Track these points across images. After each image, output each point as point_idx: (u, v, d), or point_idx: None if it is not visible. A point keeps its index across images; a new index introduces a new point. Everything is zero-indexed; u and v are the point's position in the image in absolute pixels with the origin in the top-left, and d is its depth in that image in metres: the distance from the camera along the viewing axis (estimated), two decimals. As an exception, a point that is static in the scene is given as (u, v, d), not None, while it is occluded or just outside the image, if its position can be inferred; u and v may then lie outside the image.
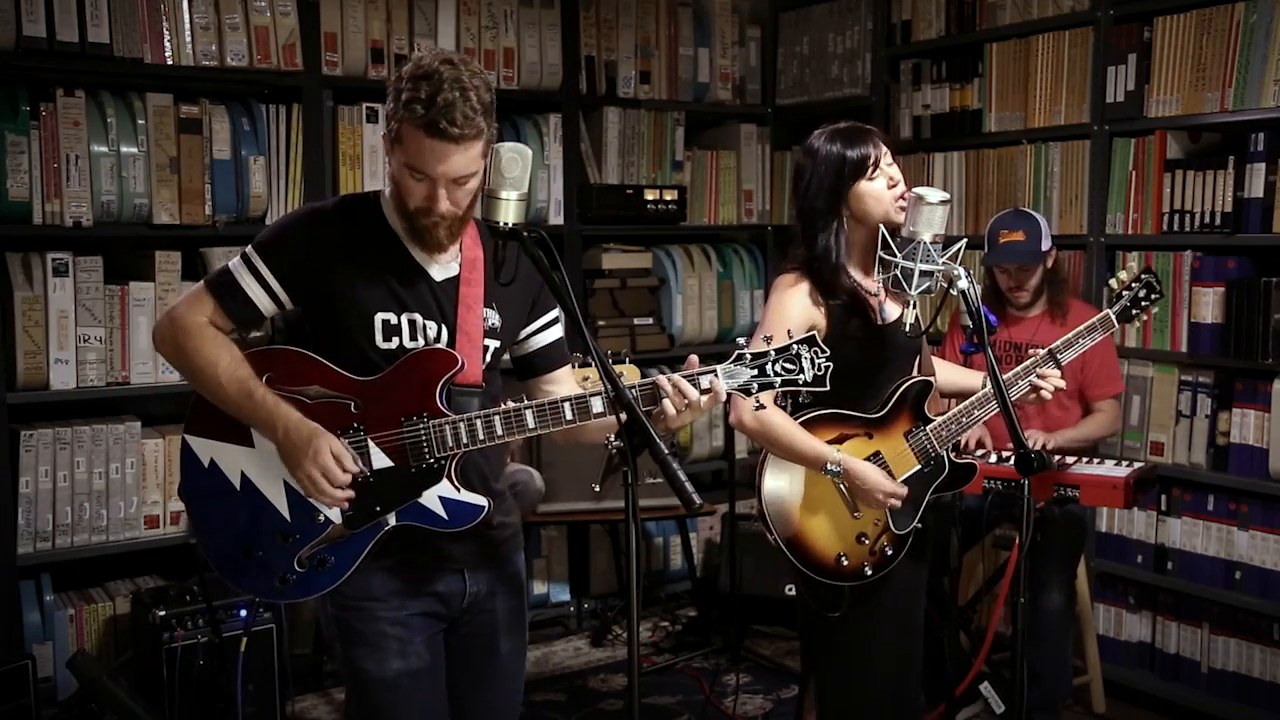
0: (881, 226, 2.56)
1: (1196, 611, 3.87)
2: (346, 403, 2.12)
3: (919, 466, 2.66)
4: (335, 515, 2.13)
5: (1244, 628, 3.75)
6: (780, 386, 2.14)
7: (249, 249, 2.17)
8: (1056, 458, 3.37)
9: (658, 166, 4.96)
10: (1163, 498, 3.90)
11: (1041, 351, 2.81)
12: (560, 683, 4.21)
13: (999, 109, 4.35)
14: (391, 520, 2.13)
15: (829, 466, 2.59)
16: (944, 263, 2.47)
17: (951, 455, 2.70)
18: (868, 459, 2.64)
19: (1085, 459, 3.47)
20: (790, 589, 4.34)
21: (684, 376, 2.10)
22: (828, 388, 2.13)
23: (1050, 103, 4.17)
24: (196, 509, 2.21)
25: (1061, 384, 2.78)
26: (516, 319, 2.28)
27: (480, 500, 2.15)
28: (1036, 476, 2.47)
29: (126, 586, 3.90)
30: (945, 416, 2.68)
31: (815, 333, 2.17)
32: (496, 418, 2.10)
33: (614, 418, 2.00)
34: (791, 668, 4.31)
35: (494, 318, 2.22)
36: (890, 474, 2.65)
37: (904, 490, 2.61)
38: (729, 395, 2.13)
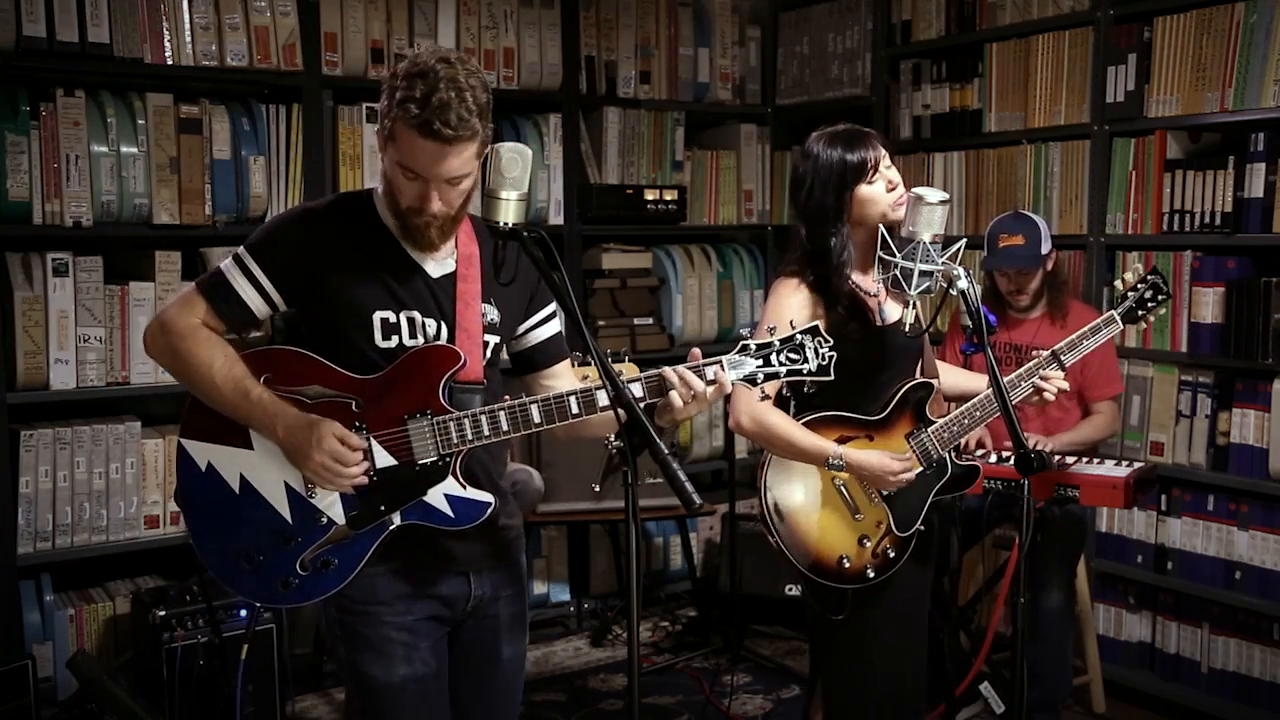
0: (881, 227, 2.56)
1: (1196, 611, 3.87)
2: (347, 402, 2.10)
3: (921, 469, 2.66)
4: (339, 516, 2.11)
5: (1244, 628, 3.75)
6: (786, 376, 2.13)
7: (241, 250, 2.14)
8: (1056, 458, 3.37)
9: (658, 166, 4.96)
10: (1163, 498, 3.90)
11: (1045, 353, 2.81)
12: (560, 683, 4.21)
13: (999, 109, 4.35)
14: (397, 520, 2.11)
15: (830, 460, 2.59)
16: (944, 263, 2.46)
17: (953, 457, 2.70)
18: None
19: (1085, 459, 3.47)
20: (791, 589, 4.34)
21: (689, 368, 2.09)
22: (832, 377, 2.13)
23: (1050, 103, 4.17)
24: (195, 514, 2.17)
25: (1065, 385, 2.78)
26: (514, 314, 2.27)
27: (486, 497, 2.13)
28: (1036, 476, 2.47)
29: (126, 586, 3.90)
30: (947, 418, 2.68)
31: (819, 323, 2.16)
32: (502, 413, 2.09)
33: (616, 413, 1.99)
34: (792, 668, 4.31)
35: (492, 313, 2.21)
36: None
37: (912, 464, 2.60)
38: (732, 388, 2.12)
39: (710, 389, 2.09)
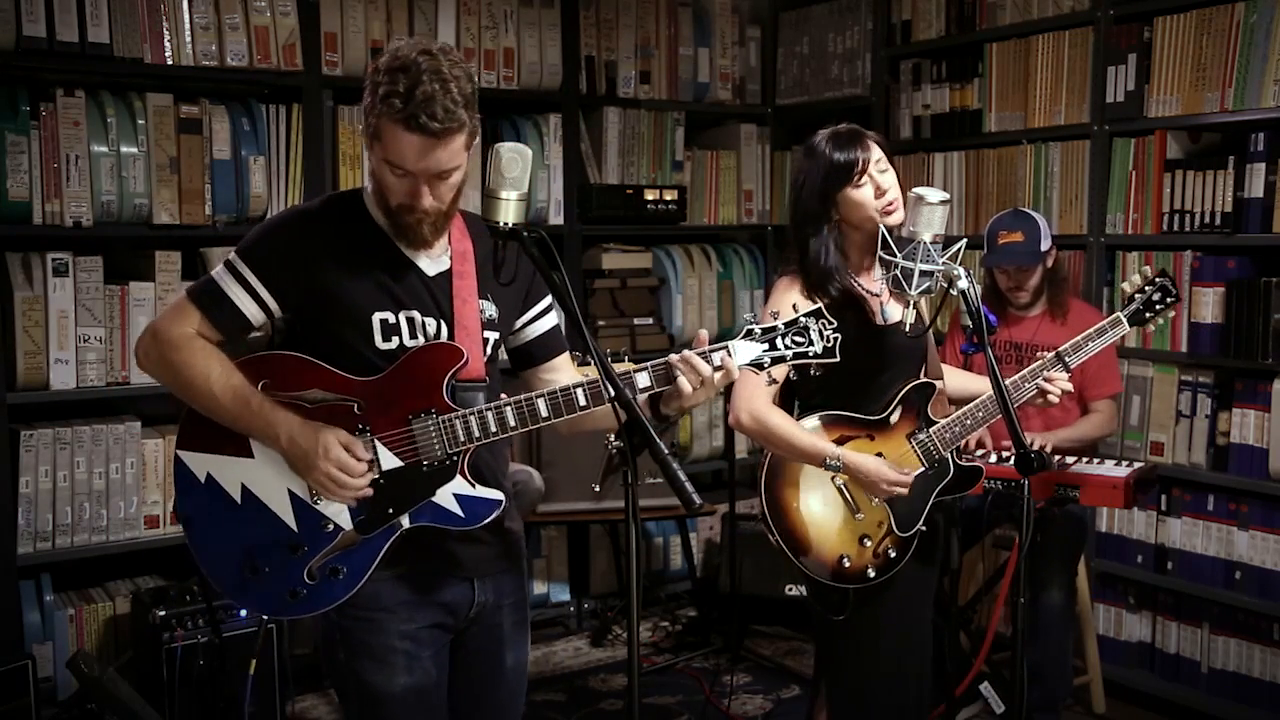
0: (881, 227, 2.56)
1: (1196, 611, 3.87)
2: (349, 404, 2.06)
3: (922, 469, 2.66)
4: (345, 522, 2.07)
5: (1244, 628, 3.75)
6: (792, 359, 2.11)
7: (232, 256, 2.09)
8: (1057, 458, 3.37)
9: (658, 166, 4.96)
10: (1163, 498, 3.90)
11: (1049, 354, 2.80)
12: (560, 683, 4.21)
13: (999, 109, 4.35)
14: (405, 522, 2.08)
15: (828, 461, 2.58)
16: (944, 263, 2.46)
17: (956, 458, 2.70)
18: None
19: (1085, 459, 3.47)
20: (791, 589, 4.35)
21: (696, 354, 2.07)
22: (838, 358, 2.12)
23: (1050, 103, 4.17)
24: (195, 527, 2.12)
25: (1069, 386, 2.77)
26: (511, 309, 2.24)
27: (496, 494, 2.11)
28: (1036, 476, 2.47)
29: (126, 586, 3.90)
30: (949, 419, 2.68)
31: (821, 306, 2.15)
32: (508, 408, 2.06)
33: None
34: (792, 668, 4.31)
35: (490, 309, 2.18)
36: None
37: (908, 478, 2.60)
38: (739, 374, 2.10)
39: (718, 375, 2.06)
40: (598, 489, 4.28)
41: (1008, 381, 2.68)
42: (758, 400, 2.62)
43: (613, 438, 3.98)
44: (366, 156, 2.08)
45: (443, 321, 2.12)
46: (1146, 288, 2.90)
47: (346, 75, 4.15)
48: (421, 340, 2.10)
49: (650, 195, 4.76)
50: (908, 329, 2.54)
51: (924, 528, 2.65)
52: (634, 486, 1.90)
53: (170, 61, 3.78)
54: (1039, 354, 3.68)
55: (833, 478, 2.64)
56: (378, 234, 2.11)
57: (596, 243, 4.85)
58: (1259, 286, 3.60)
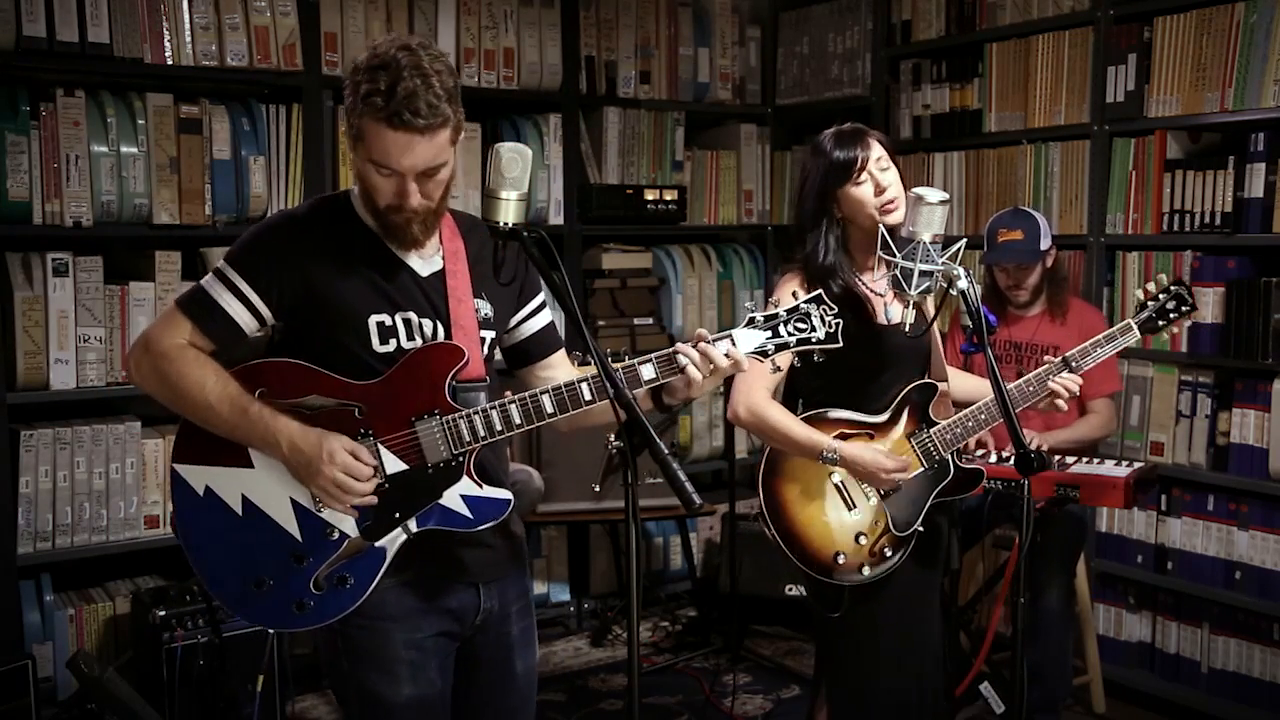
0: (881, 226, 2.56)
1: (1196, 611, 3.87)
2: (350, 409, 2.03)
3: (922, 469, 2.66)
4: (351, 529, 2.04)
5: (1244, 628, 3.75)
6: (796, 346, 2.09)
7: (222, 263, 2.06)
8: (1057, 458, 3.37)
9: (658, 166, 4.96)
10: (1163, 498, 3.90)
11: (1056, 359, 2.77)
12: (560, 683, 4.21)
13: (999, 109, 4.35)
14: (413, 526, 2.05)
15: (824, 454, 2.59)
16: (944, 263, 2.46)
17: (957, 460, 2.69)
18: None
19: (1085, 459, 3.47)
20: (791, 589, 4.35)
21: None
22: (841, 344, 2.12)
23: (1050, 103, 4.17)
24: (195, 542, 2.07)
25: (1074, 387, 2.74)
26: (507, 307, 2.22)
27: (504, 494, 2.08)
28: (1036, 476, 2.47)
29: (126, 586, 3.90)
30: (950, 420, 2.68)
31: (821, 292, 2.15)
32: (513, 405, 2.03)
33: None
34: (792, 668, 4.31)
35: (486, 308, 2.16)
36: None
37: (905, 464, 2.61)
38: (745, 362, 2.09)
39: (726, 362, 2.05)
40: (598, 489, 4.28)
41: (1013, 385, 2.67)
42: (756, 394, 2.64)
43: (613, 437, 3.99)
44: (351, 158, 2.05)
45: (439, 322, 2.09)
46: (1160, 295, 2.86)
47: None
48: (419, 342, 2.07)
49: (650, 195, 4.76)
50: (908, 329, 2.54)
51: (922, 528, 2.65)
52: (634, 486, 1.90)
53: (170, 61, 3.78)
54: (1039, 353, 3.70)
55: (830, 474, 2.64)
56: (368, 236, 2.08)
57: (596, 243, 4.85)
58: (1259, 286, 3.60)
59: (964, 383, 2.94)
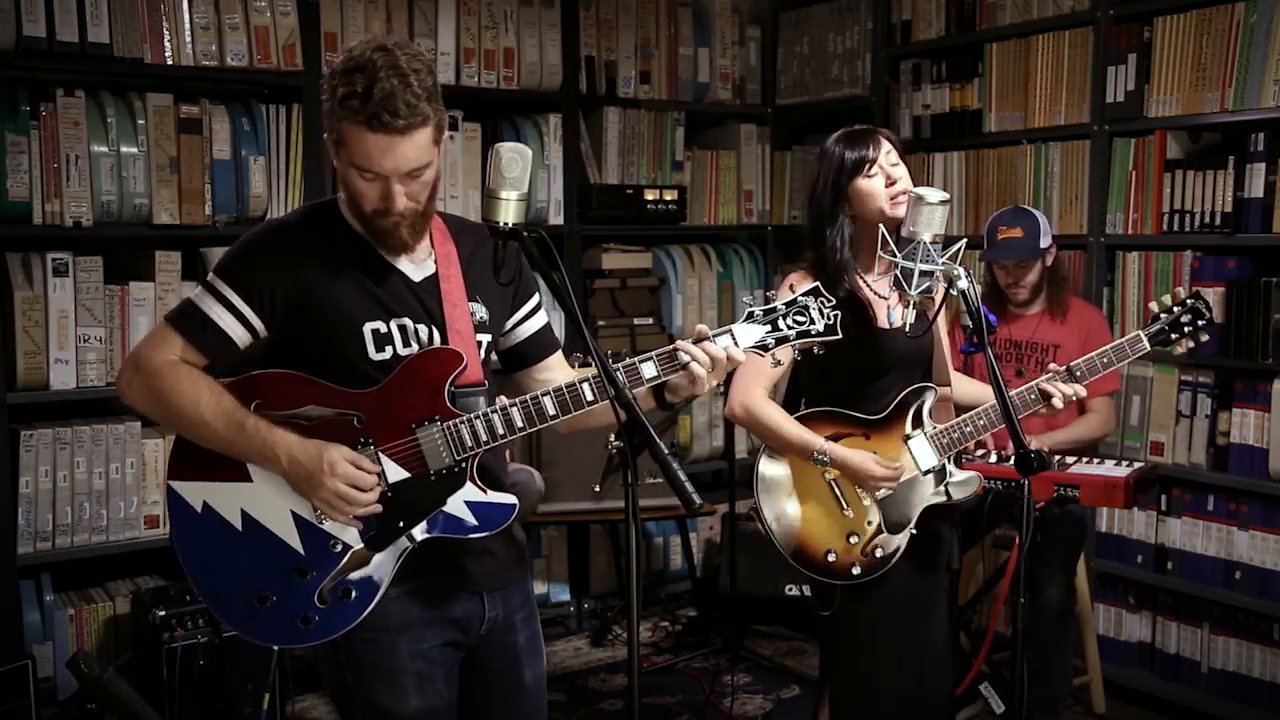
0: (881, 226, 2.57)
1: (1196, 611, 3.87)
2: (349, 418, 2.00)
3: (916, 472, 2.66)
4: (354, 540, 2.01)
5: (1244, 628, 3.75)
6: (795, 339, 2.08)
7: (211, 276, 2.02)
8: (1057, 458, 3.37)
9: (658, 166, 4.96)
10: (1163, 498, 3.90)
11: (1061, 368, 2.72)
12: (560, 683, 4.21)
13: (999, 109, 4.35)
14: (417, 535, 2.02)
15: (815, 455, 2.61)
16: (944, 263, 2.47)
17: (953, 464, 2.69)
18: None
19: (1085, 459, 3.47)
20: (791, 589, 4.35)
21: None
22: (840, 335, 2.12)
23: (1050, 103, 4.17)
24: (195, 560, 2.03)
25: (1070, 392, 2.69)
26: (502, 310, 2.19)
27: (508, 499, 2.06)
28: (1036, 476, 2.46)
29: (126, 586, 3.90)
30: (947, 424, 2.68)
31: (819, 284, 2.14)
32: (514, 408, 2.01)
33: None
34: (792, 668, 4.31)
35: (481, 311, 2.13)
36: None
37: (898, 468, 2.61)
38: (744, 357, 2.07)
39: (724, 359, 2.03)
40: (598, 489, 4.28)
41: (1014, 393, 2.66)
42: (753, 392, 2.67)
43: (613, 437, 3.98)
44: (335, 164, 2.00)
45: (434, 327, 2.07)
46: (1176, 308, 2.75)
47: (346, 75, 4.14)
48: (415, 348, 2.05)
49: (650, 195, 4.76)
50: (907, 329, 2.55)
51: (914, 530, 2.65)
52: (634, 486, 1.89)
53: (170, 61, 3.78)
54: (1039, 352, 3.71)
55: (824, 473, 2.66)
56: (359, 242, 2.05)
57: (596, 243, 4.85)
58: (1259, 286, 3.60)
59: (968, 387, 2.93)
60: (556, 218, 4.68)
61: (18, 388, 3.62)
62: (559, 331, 4.60)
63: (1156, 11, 3.84)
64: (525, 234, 2.00)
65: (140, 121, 3.74)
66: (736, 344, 2.06)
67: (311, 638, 2.03)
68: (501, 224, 1.99)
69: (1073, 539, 3.62)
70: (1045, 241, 3.67)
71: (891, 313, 2.67)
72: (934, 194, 2.46)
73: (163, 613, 3.48)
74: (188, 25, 3.81)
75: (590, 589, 4.86)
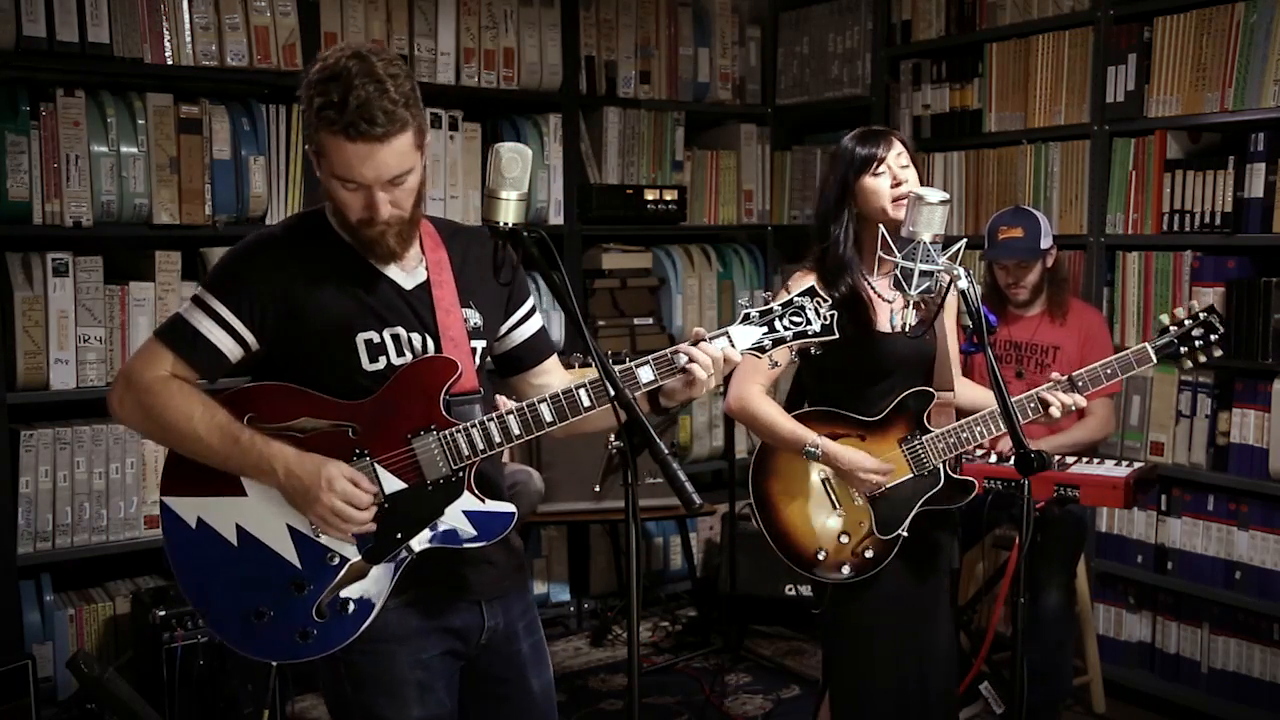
0: (881, 227, 2.57)
1: (1196, 611, 3.87)
2: (343, 429, 1.98)
3: (911, 475, 2.67)
4: (352, 553, 1.99)
5: (1244, 628, 3.75)
6: (792, 340, 2.08)
7: (200, 291, 2.00)
8: (1057, 458, 3.37)
9: (658, 166, 4.96)
10: (1163, 498, 3.90)
11: (1062, 378, 2.69)
12: (560, 683, 4.19)
13: (999, 109, 4.35)
14: (415, 547, 2.00)
15: (807, 449, 2.63)
16: (944, 263, 2.47)
17: (949, 469, 2.69)
18: None
19: (1085, 459, 3.47)
20: (791, 589, 4.35)
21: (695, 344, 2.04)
22: (837, 335, 2.12)
23: (1050, 103, 4.17)
24: (190, 576, 2.01)
25: (1071, 405, 2.67)
26: (495, 314, 2.17)
27: (507, 508, 2.04)
28: (1036, 476, 2.46)
29: (126, 586, 3.90)
30: (944, 429, 2.68)
31: (814, 284, 2.15)
32: (511, 416, 1.99)
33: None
34: (792, 668, 4.31)
35: (475, 317, 2.11)
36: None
37: (888, 468, 2.63)
38: (740, 359, 2.07)
39: (722, 359, 2.03)
40: (598, 489, 4.28)
41: (1015, 399, 2.65)
42: (750, 387, 2.70)
43: (613, 437, 3.98)
44: (318, 174, 1.96)
45: (427, 335, 2.04)
46: (1187, 321, 2.67)
47: (346, 75, 4.14)
48: (409, 357, 2.02)
49: (650, 195, 4.76)
50: (907, 330, 2.56)
51: (906, 534, 2.65)
52: (634, 486, 1.89)
53: (170, 61, 3.78)
54: (1038, 353, 3.70)
55: (817, 472, 2.69)
56: (348, 251, 2.03)
57: (596, 243, 4.85)
58: (1259, 286, 3.60)
59: (971, 393, 2.93)
60: (556, 218, 4.68)
61: (18, 388, 3.62)
62: (559, 332, 4.62)
63: (1156, 11, 3.84)
64: (525, 234, 1.98)
65: (140, 121, 3.74)
66: (733, 346, 2.06)
67: (310, 652, 2.00)
68: (501, 224, 1.98)
69: (1073, 539, 3.62)
70: (1046, 242, 3.67)
71: (894, 315, 2.67)
72: (934, 194, 2.46)
73: (163, 613, 3.49)
74: (188, 25, 3.81)
75: (590, 589, 4.86)
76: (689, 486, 1.85)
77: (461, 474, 2.01)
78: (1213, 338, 2.66)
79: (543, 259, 1.98)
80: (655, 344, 4.81)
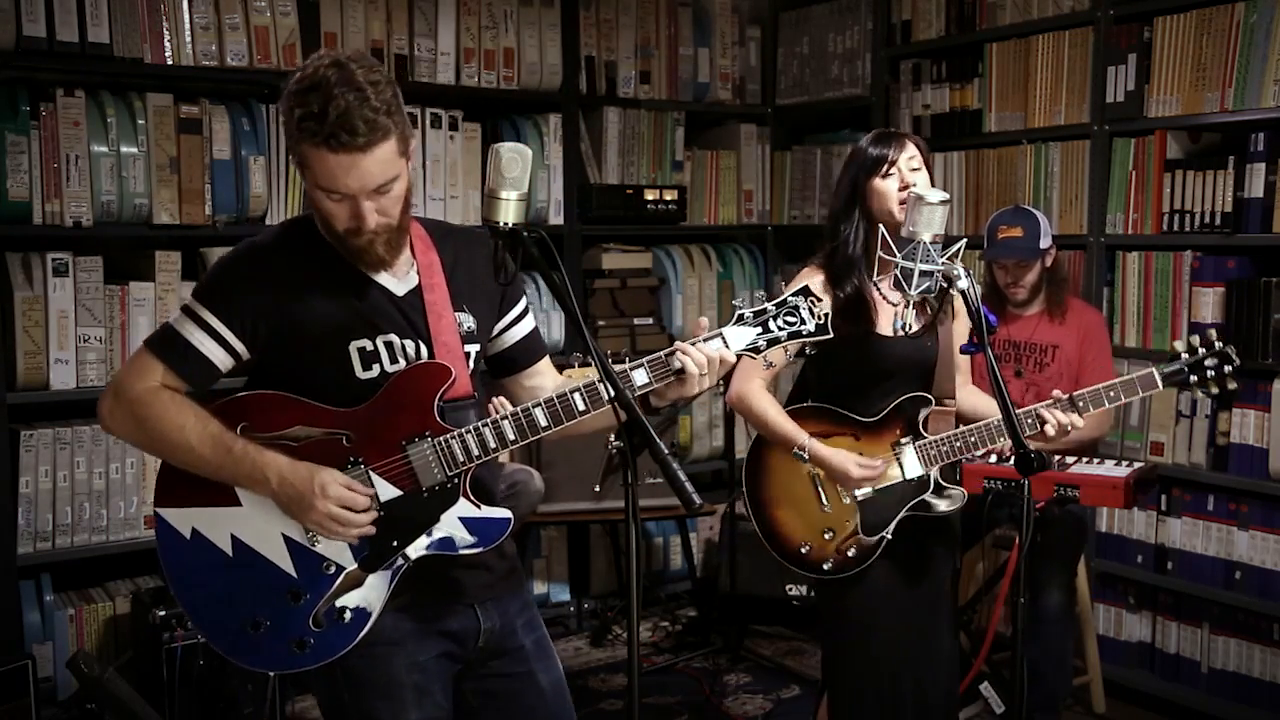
0: (882, 228, 2.58)
1: (1196, 611, 3.87)
2: (337, 437, 1.96)
3: (901, 479, 2.67)
4: (348, 561, 1.98)
5: (1244, 628, 3.75)
6: (787, 340, 2.07)
7: (190, 301, 1.98)
8: (1057, 458, 3.37)
9: (658, 166, 4.96)
10: (1163, 498, 3.90)
11: (1063, 396, 2.67)
12: (560, 683, 4.21)
13: (999, 109, 4.35)
14: (412, 554, 1.99)
15: (795, 450, 2.66)
16: (944, 263, 2.47)
17: (941, 476, 2.69)
18: None
19: (1085, 459, 3.47)
20: (791, 589, 4.35)
21: (691, 344, 2.03)
22: (831, 334, 2.12)
23: (1050, 103, 4.17)
24: (186, 587, 2.01)
25: (1068, 425, 2.64)
26: (488, 317, 2.15)
27: (503, 513, 2.03)
28: (1036, 476, 2.46)
29: (126, 586, 3.90)
30: (939, 436, 2.67)
31: (808, 284, 2.14)
32: (506, 421, 1.98)
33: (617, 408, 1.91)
34: (792, 668, 4.31)
35: (468, 321, 2.09)
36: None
37: (876, 471, 2.64)
38: (735, 360, 2.06)
39: (718, 360, 2.01)
40: (598, 489, 4.28)
41: (1021, 411, 2.65)
42: (751, 382, 2.74)
43: (613, 437, 3.98)
44: (304, 184, 1.94)
45: (420, 341, 2.03)
46: (1201, 349, 2.63)
47: (346, 75, 4.14)
48: (402, 364, 2.01)
49: (650, 195, 4.76)
50: (906, 330, 2.56)
51: (890, 536, 2.66)
52: (634, 486, 1.89)
53: (170, 61, 3.78)
54: (1037, 353, 3.70)
55: (808, 469, 2.71)
56: (337, 259, 2.00)
57: (596, 243, 4.85)
58: (1259, 286, 3.60)
59: (974, 400, 2.92)
60: (556, 218, 4.68)
61: (18, 388, 3.62)
62: (559, 332, 4.62)
63: (1156, 11, 3.84)
64: (525, 234, 1.97)
65: (140, 121, 3.74)
66: (727, 346, 2.04)
67: (307, 662, 2.00)
68: (502, 224, 1.96)
69: (1073, 539, 3.62)
70: (1045, 242, 3.67)
71: (898, 319, 2.67)
72: (934, 194, 2.46)
73: (163, 613, 3.48)
74: (188, 25, 3.81)
75: (590, 589, 4.86)
76: (689, 486, 1.85)
77: (457, 480, 2.00)
78: (1227, 369, 2.62)
79: (543, 259, 1.97)
80: (655, 344, 4.81)
